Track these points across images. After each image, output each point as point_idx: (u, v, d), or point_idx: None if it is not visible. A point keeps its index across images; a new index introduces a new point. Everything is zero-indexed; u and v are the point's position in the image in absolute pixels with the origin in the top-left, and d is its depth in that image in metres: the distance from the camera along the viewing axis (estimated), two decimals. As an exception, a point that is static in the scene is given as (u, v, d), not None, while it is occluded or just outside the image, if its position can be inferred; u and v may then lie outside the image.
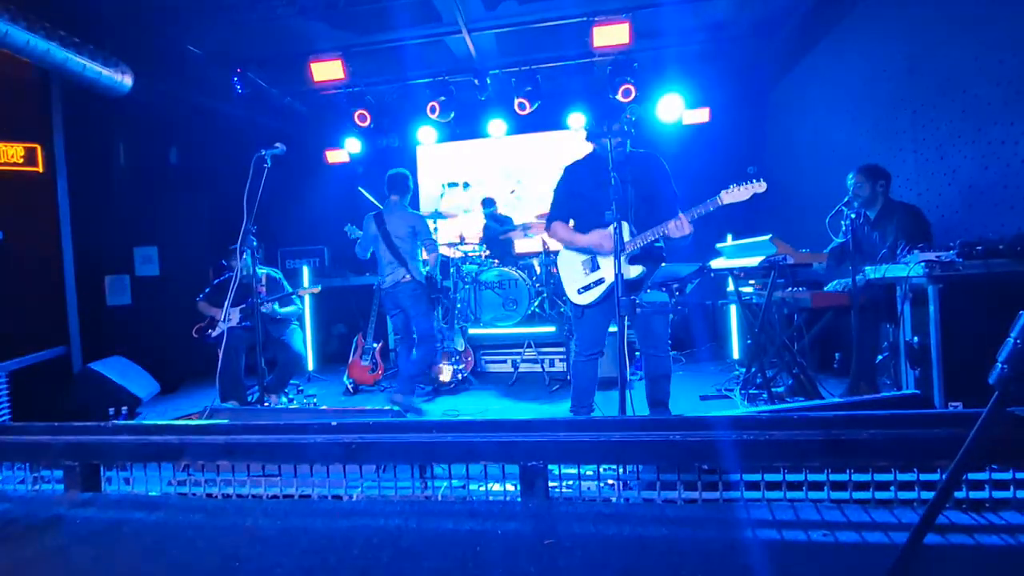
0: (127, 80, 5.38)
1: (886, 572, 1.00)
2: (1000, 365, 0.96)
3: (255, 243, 4.83)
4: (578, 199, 3.16)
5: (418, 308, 4.48)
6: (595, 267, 3.06)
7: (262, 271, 4.94)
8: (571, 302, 3.18)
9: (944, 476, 1.02)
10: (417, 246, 4.52)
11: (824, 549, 1.18)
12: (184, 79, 6.11)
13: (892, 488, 1.36)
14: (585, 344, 3.17)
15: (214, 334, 4.69)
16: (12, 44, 4.42)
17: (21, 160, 5.37)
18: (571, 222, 3.22)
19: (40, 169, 5.42)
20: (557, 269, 3.35)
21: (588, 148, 3.22)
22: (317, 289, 5.22)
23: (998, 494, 1.35)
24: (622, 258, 2.86)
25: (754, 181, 2.76)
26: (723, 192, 2.80)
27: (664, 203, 3.03)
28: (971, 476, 1.37)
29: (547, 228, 3.28)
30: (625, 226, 2.94)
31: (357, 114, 6.84)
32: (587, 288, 3.07)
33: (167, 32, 5.56)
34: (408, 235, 4.48)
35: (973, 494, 1.36)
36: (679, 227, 2.80)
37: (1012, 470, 1.33)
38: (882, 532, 1.22)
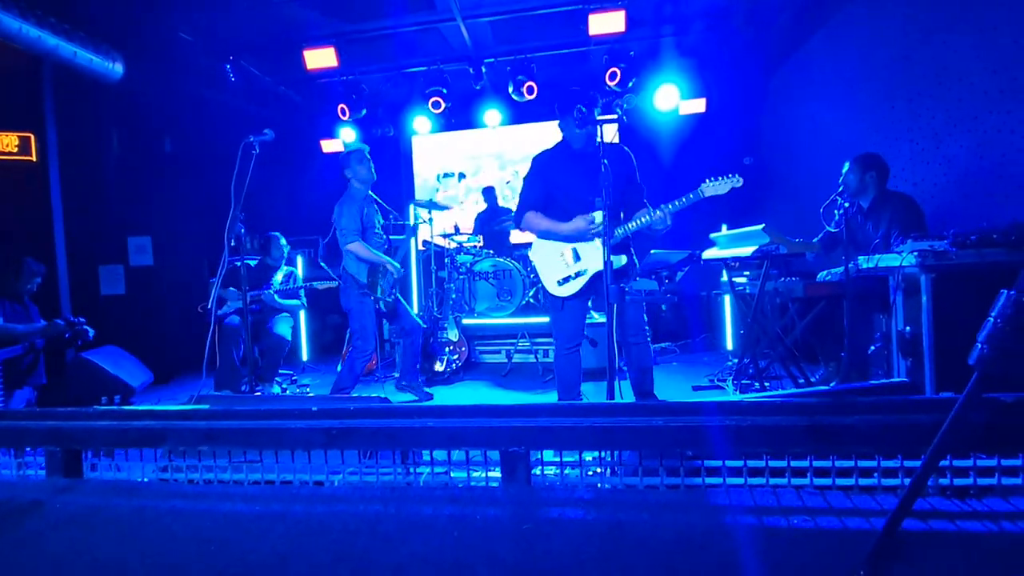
0: (118, 67, 5.34)
1: (865, 557, 0.99)
2: (980, 345, 0.95)
3: (283, 240, 5.00)
4: (551, 188, 3.09)
5: (347, 305, 4.20)
6: (577, 258, 3.01)
7: (285, 269, 5.10)
8: (550, 295, 3.11)
9: (922, 461, 1.01)
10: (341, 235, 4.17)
11: (804, 535, 1.17)
12: (176, 67, 6.06)
13: (875, 475, 1.35)
14: (567, 336, 3.11)
15: (220, 311, 4.77)
16: (4, 31, 4.39)
17: (15, 149, 5.35)
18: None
19: (33, 158, 5.39)
20: (532, 262, 3.24)
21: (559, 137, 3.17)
22: (334, 284, 5.18)
23: (983, 481, 1.34)
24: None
25: (730, 176, 2.80)
26: (703, 185, 2.81)
27: (634, 194, 3.05)
28: (956, 463, 1.36)
29: (518, 221, 3.17)
30: (602, 215, 2.92)
31: (340, 107, 6.79)
32: (568, 279, 3.01)
33: (158, 19, 5.50)
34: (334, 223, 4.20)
35: (958, 481, 1.35)
36: (663, 218, 2.81)
37: (997, 457, 1.32)
38: (863, 518, 1.21)
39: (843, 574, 1.01)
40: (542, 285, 3.16)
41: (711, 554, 1.12)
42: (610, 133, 2.81)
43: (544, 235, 3.11)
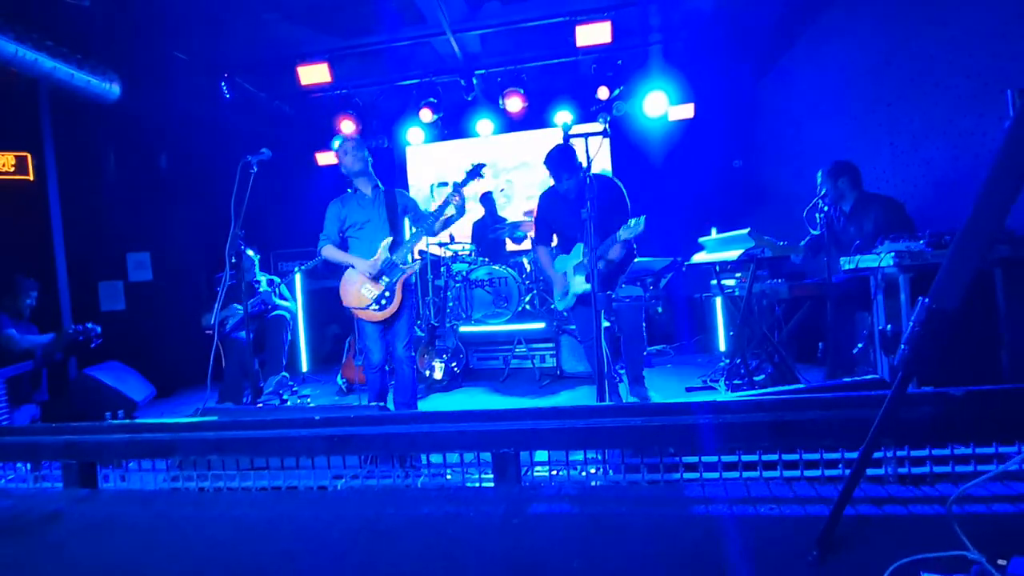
0: (115, 87, 5.44)
1: (815, 541, 1.09)
2: (902, 347, 1.05)
3: (250, 252, 5.09)
4: (554, 224, 3.79)
5: None
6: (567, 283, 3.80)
7: (265, 277, 5.18)
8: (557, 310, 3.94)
9: (858, 453, 1.11)
10: None
11: (770, 521, 1.27)
12: (172, 85, 6.16)
13: (840, 466, 1.46)
14: (583, 335, 3.88)
15: (227, 328, 4.87)
16: (1, 54, 4.49)
17: (12, 169, 5.43)
18: (555, 238, 3.86)
19: (31, 177, 5.48)
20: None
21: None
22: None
23: (939, 469, 1.45)
24: (575, 274, 3.64)
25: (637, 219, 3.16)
26: (620, 230, 3.22)
27: (619, 222, 3.35)
28: (914, 453, 1.47)
29: (533, 250, 3.97)
30: (582, 247, 3.50)
31: (341, 120, 6.92)
32: (561, 297, 3.82)
33: (154, 39, 5.61)
34: None
35: (915, 470, 1.45)
36: (615, 251, 3.38)
37: (950, 446, 1.42)
38: (825, 505, 1.32)
39: (800, 555, 1.11)
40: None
41: (684, 541, 1.22)
42: (596, 144, 2.93)
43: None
